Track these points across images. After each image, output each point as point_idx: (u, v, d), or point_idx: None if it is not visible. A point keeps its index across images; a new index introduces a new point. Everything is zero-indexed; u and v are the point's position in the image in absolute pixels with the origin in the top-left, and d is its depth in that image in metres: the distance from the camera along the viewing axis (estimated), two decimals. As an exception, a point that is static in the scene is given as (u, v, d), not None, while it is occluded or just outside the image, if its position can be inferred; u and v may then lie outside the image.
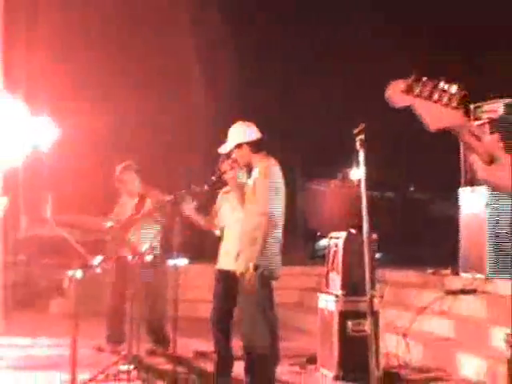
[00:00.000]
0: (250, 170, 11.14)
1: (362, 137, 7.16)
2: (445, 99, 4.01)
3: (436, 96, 4.02)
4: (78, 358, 9.15)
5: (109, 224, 13.70)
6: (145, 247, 13.60)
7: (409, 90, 4.07)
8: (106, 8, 25.15)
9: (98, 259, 10.80)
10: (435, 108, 4.00)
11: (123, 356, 12.35)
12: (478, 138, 4.01)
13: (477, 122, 14.29)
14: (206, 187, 11.75)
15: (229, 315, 11.54)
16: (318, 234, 13.62)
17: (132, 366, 12.01)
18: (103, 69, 23.27)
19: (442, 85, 4.03)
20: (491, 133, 13.82)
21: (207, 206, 12.13)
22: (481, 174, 4.09)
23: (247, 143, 11.01)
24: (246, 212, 10.98)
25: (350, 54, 28.64)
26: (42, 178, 15.39)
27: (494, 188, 4.20)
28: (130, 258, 13.72)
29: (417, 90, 4.05)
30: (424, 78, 4.05)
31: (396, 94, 4.10)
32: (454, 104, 3.99)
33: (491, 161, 4.08)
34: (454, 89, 4.03)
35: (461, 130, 3.97)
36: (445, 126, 3.97)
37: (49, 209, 11.60)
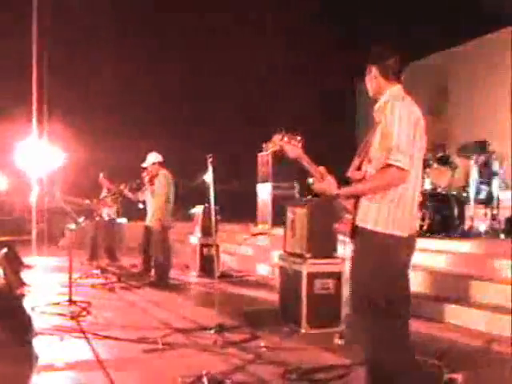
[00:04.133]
0: (156, 175, 11.41)
1: (210, 160, 7.39)
2: (295, 143, 4.25)
3: (293, 142, 4.25)
4: (72, 266, 9.18)
5: (86, 201, 13.86)
6: (105, 212, 13.92)
7: (281, 139, 4.28)
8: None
9: (81, 219, 10.88)
10: (293, 147, 4.21)
11: (95, 266, 12.53)
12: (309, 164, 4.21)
13: (264, 153, 14.60)
14: (135, 184, 12.14)
15: (148, 245, 11.73)
16: (190, 205, 13.86)
17: (99, 271, 12.24)
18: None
19: (295, 136, 4.28)
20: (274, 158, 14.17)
21: (136, 190, 12.31)
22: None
23: (158, 162, 11.38)
24: (155, 196, 11.36)
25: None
26: (55, 181, 15.34)
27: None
28: (97, 218, 13.97)
29: (285, 139, 4.28)
30: (286, 134, 4.30)
31: (277, 140, 4.32)
32: (300, 145, 4.23)
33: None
34: (299, 138, 4.29)
35: (300, 158, 4.18)
36: (295, 156, 4.22)
37: (58, 193, 11.72)
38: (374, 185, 4.12)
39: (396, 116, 4.05)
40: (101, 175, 14.72)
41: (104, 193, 14.54)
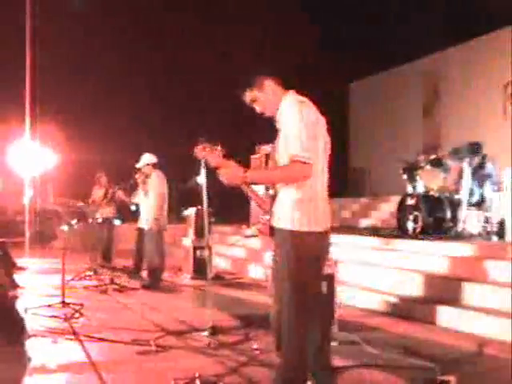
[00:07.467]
0: (149, 177, 11.44)
1: (203, 161, 7.34)
2: (217, 153, 4.47)
3: (214, 152, 4.47)
4: (65, 269, 9.19)
5: (79, 204, 13.81)
6: (98, 215, 13.93)
7: (203, 150, 4.52)
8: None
9: (74, 221, 10.88)
10: (214, 157, 4.44)
11: (88, 267, 12.49)
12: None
13: (256, 156, 14.64)
14: (129, 185, 12.17)
15: (142, 247, 11.77)
16: (183, 207, 13.84)
17: (92, 272, 12.23)
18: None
19: (217, 147, 4.51)
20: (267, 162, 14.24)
21: (131, 191, 12.40)
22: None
23: (151, 164, 11.39)
24: (149, 197, 11.35)
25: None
26: (48, 181, 15.26)
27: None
28: (90, 220, 13.93)
29: (207, 149, 4.51)
30: (208, 146, 4.57)
31: (199, 152, 4.55)
32: (221, 155, 4.45)
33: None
34: (219, 148, 4.53)
35: (220, 166, 4.42)
36: (216, 165, 4.44)
37: (51, 195, 11.69)
38: (280, 174, 4.35)
39: (295, 117, 4.22)
40: (99, 174, 14.81)
41: (98, 193, 14.55)
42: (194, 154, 4.75)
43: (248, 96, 4.58)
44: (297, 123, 4.19)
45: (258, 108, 4.60)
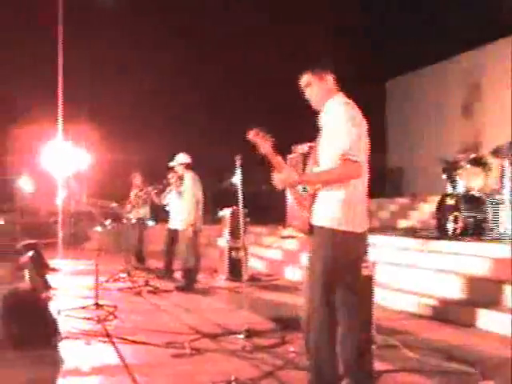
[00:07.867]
0: (182, 178, 11.48)
1: (239, 161, 7.32)
2: (267, 140, 4.64)
3: (265, 139, 4.60)
4: (98, 270, 9.22)
5: (113, 204, 13.80)
6: (131, 215, 13.93)
7: (256, 134, 4.64)
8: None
9: (108, 221, 10.94)
10: (265, 143, 4.57)
11: (122, 269, 12.48)
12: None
13: (292, 155, 14.50)
14: (162, 186, 12.24)
15: (172, 249, 11.88)
16: (218, 208, 13.88)
17: (126, 274, 12.22)
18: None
19: (267, 135, 4.67)
20: (304, 162, 14.11)
21: (162, 192, 12.49)
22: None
23: (185, 163, 11.41)
24: (184, 199, 11.38)
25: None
26: (82, 182, 15.34)
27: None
28: (124, 221, 13.95)
29: (260, 134, 4.65)
30: (261, 132, 4.73)
31: (252, 135, 4.68)
32: (270, 143, 4.60)
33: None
34: (270, 137, 4.70)
35: (269, 154, 4.56)
36: (265, 151, 4.60)
37: (84, 196, 11.74)
38: (333, 175, 4.48)
39: (343, 117, 4.43)
40: (133, 174, 14.84)
41: (134, 193, 14.54)
42: (247, 136, 5.01)
43: (305, 79, 4.76)
44: (345, 123, 4.38)
45: (307, 94, 4.78)
